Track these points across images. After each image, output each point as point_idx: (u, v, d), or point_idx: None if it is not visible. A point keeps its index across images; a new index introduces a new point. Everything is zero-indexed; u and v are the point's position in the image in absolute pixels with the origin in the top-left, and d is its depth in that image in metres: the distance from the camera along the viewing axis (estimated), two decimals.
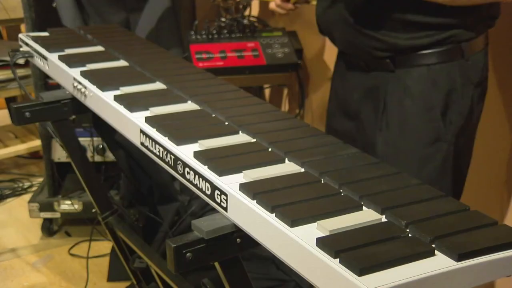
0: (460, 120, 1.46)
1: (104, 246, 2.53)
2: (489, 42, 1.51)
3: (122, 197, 2.37)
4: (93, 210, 1.66)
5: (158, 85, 1.25)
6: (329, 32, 1.60)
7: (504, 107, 1.83)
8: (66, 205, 2.57)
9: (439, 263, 0.68)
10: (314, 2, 1.56)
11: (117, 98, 1.15)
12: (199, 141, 0.98)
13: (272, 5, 1.55)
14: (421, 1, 1.36)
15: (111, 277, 2.34)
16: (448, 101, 1.44)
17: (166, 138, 1.00)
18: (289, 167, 0.91)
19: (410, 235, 0.73)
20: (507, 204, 1.89)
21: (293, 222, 0.75)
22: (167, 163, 0.99)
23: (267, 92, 2.96)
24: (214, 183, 0.87)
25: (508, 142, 1.85)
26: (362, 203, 0.80)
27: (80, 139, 1.96)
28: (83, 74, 1.28)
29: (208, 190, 0.88)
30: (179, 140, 0.98)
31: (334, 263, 0.67)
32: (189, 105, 1.15)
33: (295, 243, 0.72)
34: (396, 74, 1.47)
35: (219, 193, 0.86)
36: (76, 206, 2.54)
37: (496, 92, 1.81)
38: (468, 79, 1.45)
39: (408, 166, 1.45)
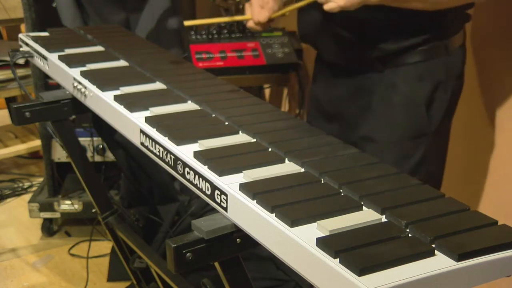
0: (442, 113, 1.53)
1: (104, 246, 2.53)
2: (466, 36, 1.59)
3: (122, 197, 2.37)
4: (93, 210, 1.66)
5: (158, 85, 1.25)
6: (313, 42, 1.66)
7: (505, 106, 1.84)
8: (66, 205, 2.57)
9: (439, 263, 0.68)
10: (287, 12, 1.56)
11: (117, 98, 1.15)
12: (199, 141, 0.98)
13: (250, 24, 1.56)
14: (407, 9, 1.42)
15: (111, 277, 2.34)
16: (432, 96, 1.51)
17: (166, 138, 1.00)
18: (289, 167, 0.91)
19: (410, 235, 0.73)
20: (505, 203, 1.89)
21: (293, 222, 0.75)
22: (167, 163, 0.99)
23: (267, 92, 2.96)
24: (214, 183, 0.87)
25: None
26: (362, 203, 0.80)
27: (80, 139, 1.96)
28: (83, 74, 1.28)
29: (208, 190, 0.88)
30: (179, 140, 0.98)
31: (334, 263, 0.67)
32: (189, 105, 1.15)
33: (295, 243, 0.72)
34: (384, 74, 1.52)
35: (219, 193, 0.86)
36: (76, 206, 2.54)
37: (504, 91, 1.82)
38: (450, 73, 1.53)
39: (391, 161, 1.49)
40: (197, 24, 1.48)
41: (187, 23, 1.42)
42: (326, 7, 1.36)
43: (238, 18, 1.60)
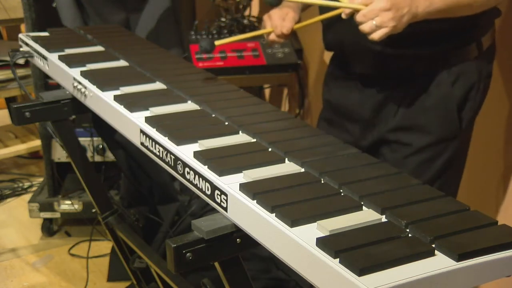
0: (472, 113, 1.50)
1: (104, 246, 2.53)
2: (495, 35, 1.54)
3: (122, 197, 2.37)
4: (93, 210, 1.66)
5: (158, 85, 1.25)
6: (343, 53, 1.59)
7: (502, 104, 1.83)
8: (66, 205, 2.56)
9: (439, 263, 0.68)
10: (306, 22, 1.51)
11: (117, 98, 1.15)
12: (199, 141, 0.98)
13: (272, 37, 1.50)
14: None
15: (111, 277, 2.34)
16: (465, 98, 1.48)
17: (166, 138, 1.00)
18: (289, 167, 0.91)
19: (410, 235, 0.73)
20: (502, 202, 1.89)
21: (293, 222, 0.75)
22: (167, 163, 0.99)
23: (267, 92, 2.96)
24: (214, 183, 0.87)
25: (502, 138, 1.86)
26: (362, 203, 0.80)
27: (80, 139, 1.96)
28: (83, 74, 1.28)
29: (208, 190, 0.88)
30: (179, 140, 0.98)
31: (334, 263, 0.67)
32: (189, 105, 1.15)
33: (295, 243, 0.72)
34: (416, 79, 1.48)
35: (219, 193, 0.86)
36: (76, 206, 2.54)
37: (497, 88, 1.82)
38: (482, 74, 1.49)
39: (417, 164, 1.49)
40: (226, 42, 1.44)
41: (217, 42, 1.39)
42: (375, 36, 1.26)
43: (260, 32, 1.54)
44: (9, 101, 2.97)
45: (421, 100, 1.48)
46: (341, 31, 1.53)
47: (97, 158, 2.53)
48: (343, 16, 1.33)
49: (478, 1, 1.34)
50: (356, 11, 1.27)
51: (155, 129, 1.03)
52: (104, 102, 1.17)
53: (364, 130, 1.60)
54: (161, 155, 1.00)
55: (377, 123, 1.56)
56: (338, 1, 1.33)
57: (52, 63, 1.39)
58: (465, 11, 1.35)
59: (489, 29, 1.49)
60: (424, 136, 1.49)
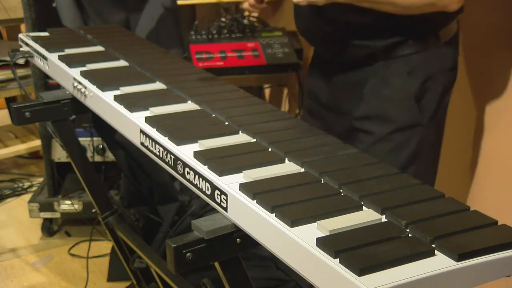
0: (434, 104, 1.52)
1: (104, 246, 2.53)
2: (460, 27, 1.57)
3: (122, 197, 2.37)
4: (93, 210, 1.66)
5: (158, 85, 1.25)
6: (307, 37, 1.67)
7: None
8: (66, 205, 2.57)
9: (439, 263, 0.68)
10: None
11: (117, 98, 1.15)
12: (199, 141, 0.98)
13: (245, 5, 1.56)
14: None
15: (111, 277, 2.34)
16: (424, 88, 1.50)
17: (166, 138, 1.00)
18: (289, 167, 0.91)
19: (410, 235, 0.73)
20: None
21: (293, 222, 0.75)
22: (167, 163, 0.99)
23: (267, 92, 2.96)
24: (214, 183, 0.87)
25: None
26: (362, 203, 0.80)
27: (80, 139, 1.96)
28: (83, 74, 1.28)
29: (208, 190, 0.88)
30: (179, 140, 0.98)
31: (334, 263, 0.67)
32: (189, 105, 1.15)
33: (295, 243, 0.72)
34: (375, 67, 1.53)
35: (219, 193, 0.86)
36: (76, 206, 2.54)
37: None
38: (443, 65, 1.52)
39: (385, 152, 1.52)
40: (193, 3, 1.46)
41: (180, 2, 1.40)
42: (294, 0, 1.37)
43: None
44: (9, 101, 2.98)
45: (380, 89, 1.52)
46: (303, 15, 1.59)
47: (97, 158, 2.53)
48: None
49: (399, 2, 1.38)
50: None
51: (155, 129, 1.03)
52: (104, 102, 1.17)
53: (336, 118, 1.64)
54: (161, 155, 1.00)
55: (344, 112, 1.60)
56: None
57: (52, 63, 1.39)
58: (388, 8, 1.40)
59: (447, 23, 1.51)
60: (384, 124, 1.52)
